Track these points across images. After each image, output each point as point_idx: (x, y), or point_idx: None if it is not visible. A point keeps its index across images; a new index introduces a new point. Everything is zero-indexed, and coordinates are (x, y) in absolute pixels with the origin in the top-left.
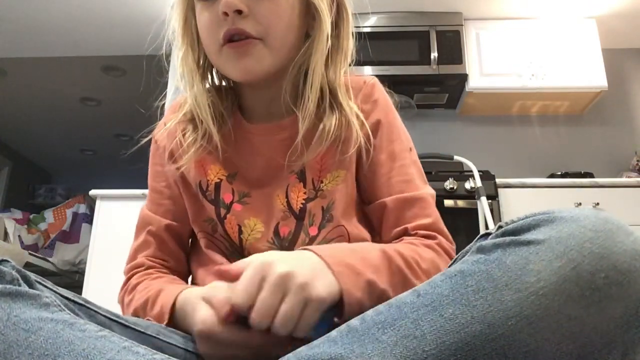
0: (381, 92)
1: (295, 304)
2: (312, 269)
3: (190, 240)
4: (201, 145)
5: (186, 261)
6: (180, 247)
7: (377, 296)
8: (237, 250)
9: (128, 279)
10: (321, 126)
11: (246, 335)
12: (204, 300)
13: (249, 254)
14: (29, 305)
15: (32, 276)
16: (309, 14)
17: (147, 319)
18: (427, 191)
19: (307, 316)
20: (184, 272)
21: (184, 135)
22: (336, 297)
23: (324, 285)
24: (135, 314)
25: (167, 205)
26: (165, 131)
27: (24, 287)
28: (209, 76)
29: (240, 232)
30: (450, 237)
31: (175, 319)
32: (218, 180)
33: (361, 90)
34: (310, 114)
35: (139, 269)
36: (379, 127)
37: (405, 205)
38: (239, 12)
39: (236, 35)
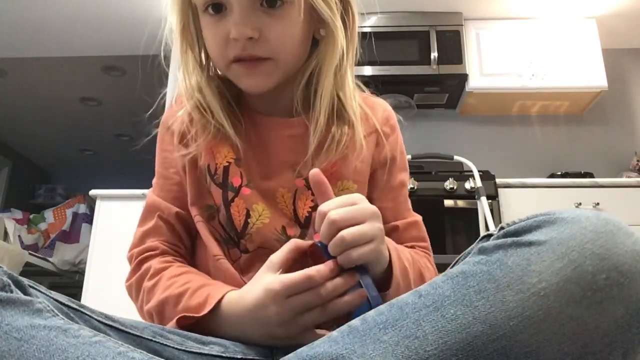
0: (395, 119)
1: (371, 227)
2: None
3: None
4: (211, 131)
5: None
6: (189, 235)
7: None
8: (233, 238)
9: (142, 261)
10: (331, 136)
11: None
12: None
13: (251, 240)
14: (21, 312)
15: (25, 281)
16: (314, 19)
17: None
18: (418, 216)
19: (367, 250)
20: (192, 262)
21: (191, 120)
22: (383, 270)
23: (384, 250)
24: (164, 301)
25: (175, 192)
26: (175, 116)
27: (16, 293)
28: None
29: (247, 215)
30: None
31: (219, 311)
32: (227, 164)
33: (380, 112)
34: (322, 126)
35: (153, 252)
36: (396, 156)
37: (409, 229)
38: (250, 38)
39: (247, 57)
